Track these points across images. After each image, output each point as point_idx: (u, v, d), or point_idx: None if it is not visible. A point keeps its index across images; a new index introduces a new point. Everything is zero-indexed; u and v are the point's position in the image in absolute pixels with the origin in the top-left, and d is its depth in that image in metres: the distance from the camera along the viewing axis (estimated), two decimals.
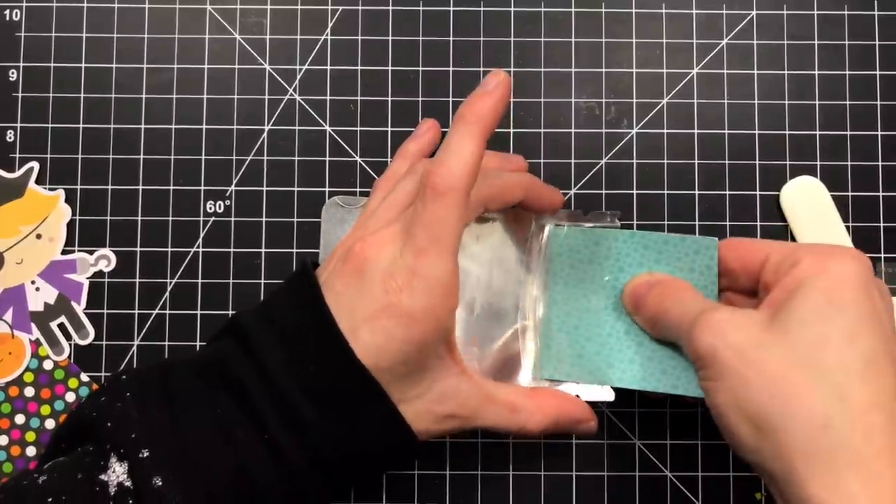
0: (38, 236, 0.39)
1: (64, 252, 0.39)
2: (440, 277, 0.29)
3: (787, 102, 0.40)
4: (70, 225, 0.39)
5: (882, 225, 0.40)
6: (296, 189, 0.40)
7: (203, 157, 0.40)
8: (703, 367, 0.30)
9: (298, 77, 0.40)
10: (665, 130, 0.40)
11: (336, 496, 0.30)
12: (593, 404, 0.35)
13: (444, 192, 0.29)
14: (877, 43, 0.41)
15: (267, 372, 0.29)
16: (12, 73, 0.40)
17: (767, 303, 0.30)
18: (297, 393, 0.29)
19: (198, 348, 0.39)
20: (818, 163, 0.40)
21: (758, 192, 0.40)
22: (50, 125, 0.40)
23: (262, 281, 0.39)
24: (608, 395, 0.35)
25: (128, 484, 0.27)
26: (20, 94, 0.40)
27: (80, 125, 0.40)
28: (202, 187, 0.40)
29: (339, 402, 0.29)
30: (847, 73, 0.40)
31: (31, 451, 0.39)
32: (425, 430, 0.31)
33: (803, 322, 0.28)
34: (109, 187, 0.40)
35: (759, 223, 0.40)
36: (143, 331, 0.39)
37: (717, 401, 0.29)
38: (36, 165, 0.40)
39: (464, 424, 0.32)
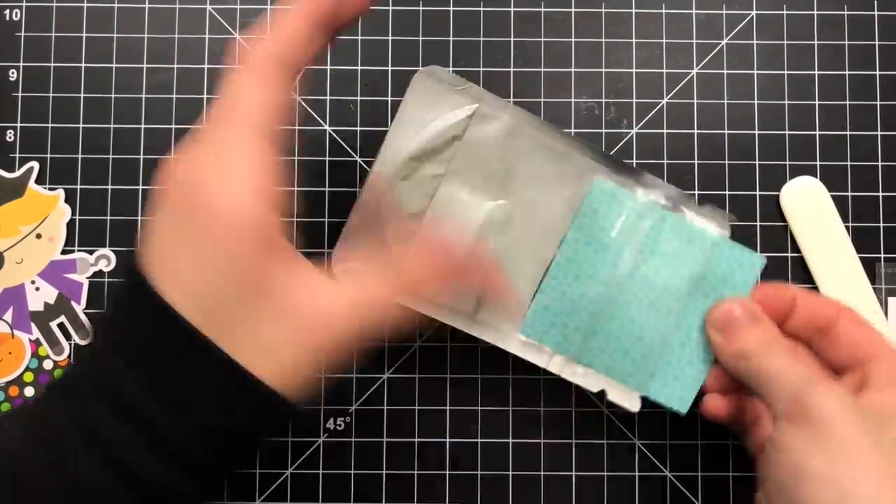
0: (38, 236, 0.39)
1: (64, 252, 0.39)
2: (239, 163, 0.24)
3: (787, 102, 0.40)
4: (70, 225, 0.39)
5: (882, 225, 0.40)
6: (295, 189, 0.40)
7: None
8: (806, 426, 0.29)
9: (298, 77, 0.40)
10: (665, 130, 0.40)
11: (210, 488, 0.25)
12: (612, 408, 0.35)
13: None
14: (877, 43, 0.41)
15: (96, 359, 0.25)
16: (12, 73, 0.40)
17: (873, 403, 0.30)
18: (123, 371, 0.24)
19: None
20: (818, 163, 0.40)
21: (758, 193, 0.40)
22: (50, 125, 0.40)
23: None
24: (634, 406, 0.34)
25: None
26: (20, 94, 0.40)
27: (80, 125, 0.40)
28: None
29: (165, 366, 0.24)
30: (847, 73, 0.40)
31: None
32: (291, 375, 0.25)
33: None
34: (109, 187, 0.40)
35: (758, 223, 0.40)
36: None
37: (799, 460, 0.28)
38: (36, 165, 0.40)
39: (338, 352, 0.25)
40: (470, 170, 0.35)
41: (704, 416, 0.34)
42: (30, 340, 0.39)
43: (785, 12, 0.41)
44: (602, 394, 0.35)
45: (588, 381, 0.35)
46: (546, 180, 0.35)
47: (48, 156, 0.40)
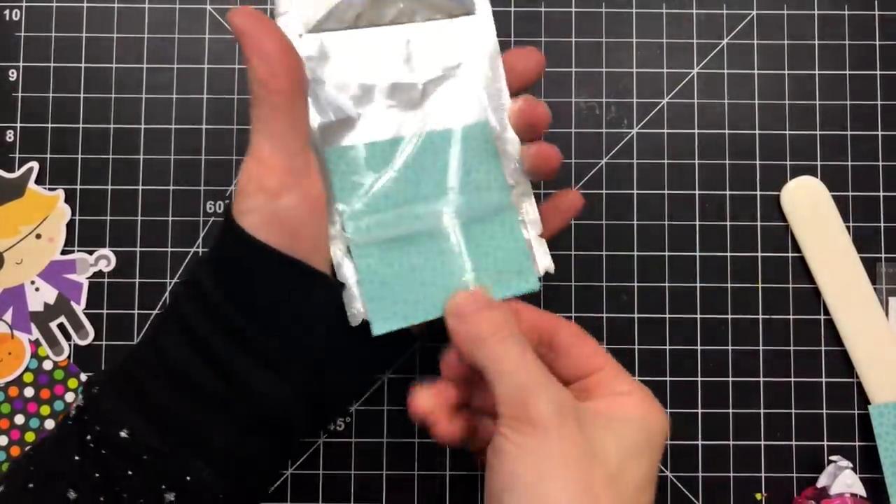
0: (38, 236, 0.39)
1: (63, 252, 0.39)
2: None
3: (787, 102, 0.40)
4: (70, 225, 0.39)
5: (882, 225, 0.40)
6: None
7: (203, 157, 0.40)
8: (528, 432, 0.27)
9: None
10: (665, 130, 0.40)
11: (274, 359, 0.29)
12: None
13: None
14: (877, 43, 0.41)
15: (197, 285, 0.29)
16: (12, 73, 0.40)
17: (595, 407, 0.30)
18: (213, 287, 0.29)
19: None
20: (818, 162, 0.40)
21: (758, 192, 0.40)
22: (50, 125, 0.40)
23: None
24: (354, 320, 0.31)
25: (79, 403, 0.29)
26: (20, 94, 0.40)
27: (80, 125, 0.40)
28: (202, 187, 0.40)
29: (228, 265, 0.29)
30: (847, 72, 0.40)
31: None
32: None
33: (621, 452, 0.28)
34: (109, 187, 0.40)
35: (759, 223, 0.40)
36: (143, 331, 0.39)
37: (513, 468, 0.27)
38: (36, 165, 0.40)
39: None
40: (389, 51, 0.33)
41: (410, 411, 0.31)
42: (29, 341, 0.39)
43: (785, 12, 0.41)
44: (341, 286, 0.31)
45: (343, 271, 0.31)
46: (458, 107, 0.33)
47: (48, 156, 0.40)
